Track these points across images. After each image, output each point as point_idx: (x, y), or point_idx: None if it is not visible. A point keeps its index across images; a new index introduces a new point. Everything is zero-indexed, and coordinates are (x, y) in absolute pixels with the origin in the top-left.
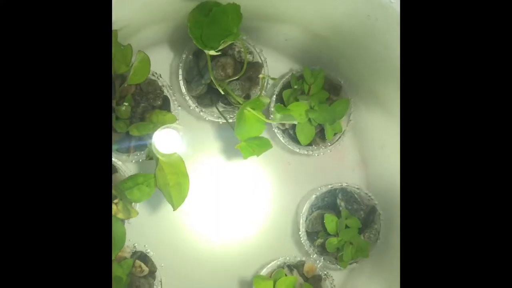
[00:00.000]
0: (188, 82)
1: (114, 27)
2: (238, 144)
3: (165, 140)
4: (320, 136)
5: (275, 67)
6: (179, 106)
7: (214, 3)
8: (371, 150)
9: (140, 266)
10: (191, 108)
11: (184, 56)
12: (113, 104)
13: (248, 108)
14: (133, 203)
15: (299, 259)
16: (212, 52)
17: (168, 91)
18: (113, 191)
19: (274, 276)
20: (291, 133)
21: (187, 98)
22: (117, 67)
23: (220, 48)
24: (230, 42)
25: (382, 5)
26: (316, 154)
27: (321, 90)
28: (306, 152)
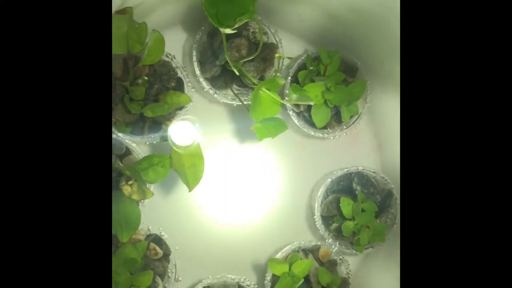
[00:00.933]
0: (202, 63)
1: (129, 3)
2: (252, 126)
3: (181, 132)
4: (336, 119)
5: (290, 48)
6: (193, 88)
7: None
8: (387, 133)
9: (154, 249)
10: (204, 90)
11: (198, 37)
12: (127, 85)
13: (263, 89)
14: (147, 185)
15: (314, 243)
16: (228, 31)
17: (182, 73)
18: (128, 172)
19: (289, 259)
20: (306, 115)
21: (201, 80)
22: (131, 46)
23: (236, 26)
24: (246, 20)
25: None
26: (331, 137)
27: (337, 71)
28: (321, 135)
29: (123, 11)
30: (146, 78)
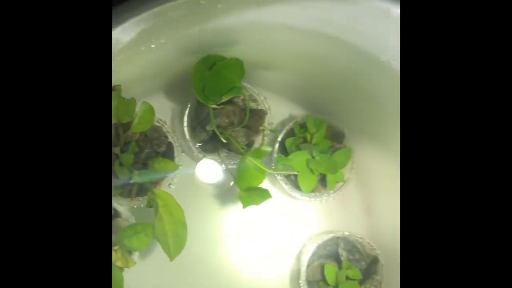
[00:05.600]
0: (192, 128)
1: (117, 82)
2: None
3: (207, 170)
4: (323, 184)
5: (280, 113)
6: (183, 152)
7: (218, 57)
8: (376, 197)
9: None
10: (194, 154)
11: (189, 104)
12: (117, 151)
13: (250, 158)
14: (132, 252)
15: None
16: (214, 106)
17: (172, 137)
18: (113, 238)
19: None
20: (293, 179)
21: (191, 144)
22: (121, 117)
23: (222, 101)
24: (232, 96)
25: (381, 65)
26: (318, 201)
27: (323, 139)
28: (308, 199)
29: (113, 89)
30: (135, 144)
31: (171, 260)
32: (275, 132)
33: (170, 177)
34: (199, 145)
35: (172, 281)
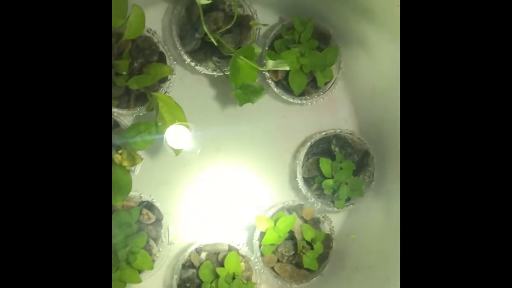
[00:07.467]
0: (181, 37)
1: None
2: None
3: (177, 136)
4: (312, 86)
5: (265, 19)
6: (175, 61)
7: None
8: (363, 98)
9: (147, 214)
10: (186, 63)
11: (176, 12)
12: (112, 59)
13: (241, 57)
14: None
15: (297, 203)
16: (204, 1)
17: (163, 47)
18: (117, 141)
19: (274, 217)
20: (284, 84)
21: (182, 53)
22: (114, 21)
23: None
24: None
25: None
26: (309, 103)
27: (310, 38)
28: (299, 102)
29: None
30: (128, 53)
31: (176, 155)
32: (266, 25)
33: (165, 85)
34: (190, 54)
35: (178, 184)
